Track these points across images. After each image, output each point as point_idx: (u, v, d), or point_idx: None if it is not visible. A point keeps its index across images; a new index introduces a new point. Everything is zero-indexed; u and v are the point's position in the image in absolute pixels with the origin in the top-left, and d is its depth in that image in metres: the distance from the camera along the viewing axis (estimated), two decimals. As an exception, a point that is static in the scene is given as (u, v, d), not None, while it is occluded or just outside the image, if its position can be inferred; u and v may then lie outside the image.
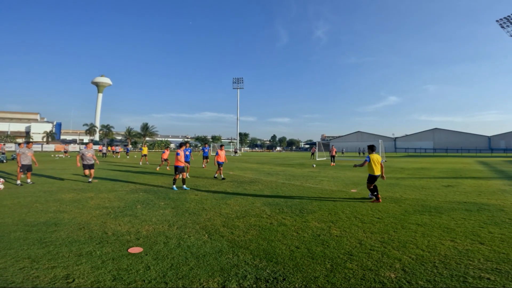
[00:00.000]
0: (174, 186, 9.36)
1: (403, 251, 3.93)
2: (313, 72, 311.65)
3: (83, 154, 10.40)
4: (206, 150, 18.76)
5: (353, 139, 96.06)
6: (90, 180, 10.34)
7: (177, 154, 9.35)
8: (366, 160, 7.65)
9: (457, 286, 2.99)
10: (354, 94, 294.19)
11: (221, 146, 13.01)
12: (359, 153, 56.18)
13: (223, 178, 12.22)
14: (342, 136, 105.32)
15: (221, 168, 12.35)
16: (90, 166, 10.46)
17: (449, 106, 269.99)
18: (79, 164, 10.90)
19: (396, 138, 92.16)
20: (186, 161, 13.38)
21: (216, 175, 12.71)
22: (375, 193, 7.43)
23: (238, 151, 58.92)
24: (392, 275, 3.21)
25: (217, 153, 12.48)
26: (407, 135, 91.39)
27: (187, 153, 13.77)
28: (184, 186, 9.47)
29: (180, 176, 9.48)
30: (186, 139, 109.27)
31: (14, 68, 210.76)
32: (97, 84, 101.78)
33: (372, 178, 7.54)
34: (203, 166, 17.97)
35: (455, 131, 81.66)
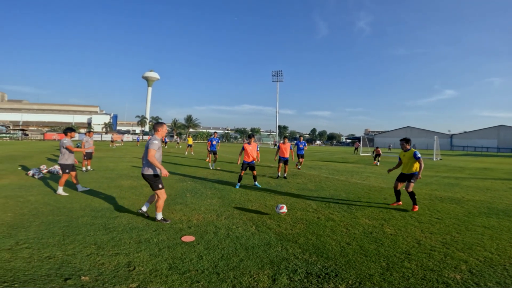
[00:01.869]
0: (238, 184, 8.17)
1: (469, 253, 3.63)
2: (355, 65, 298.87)
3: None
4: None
5: (401, 135, 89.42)
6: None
7: (242, 148, 8.16)
8: (420, 158, 5.89)
9: (532, 290, 2.71)
10: (402, 87, 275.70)
11: (284, 138, 10.54)
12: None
13: (285, 177, 10.33)
14: (388, 131, 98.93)
15: (286, 166, 10.33)
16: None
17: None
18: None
19: (452, 135, 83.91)
20: (212, 150, 13.11)
21: (279, 174, 10.46)
22: (399, 195, 6.29)
23: (277, 143, 58.77)
24: (458, 276, 2.99)
25: (278, 147, 10.33)
26: (466, 132, 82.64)
27: (214, 142, 13.24)
28: (256, 183, 8.33)
29: (250, 173, 8.19)
30: (226, 131, 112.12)
31: (76, 64, 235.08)
32: (147, 79, 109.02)
33: (416, 177, 6.02)
34: (298, 168, 13.60)
35: (524, 128, 71.67)
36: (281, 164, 10.37)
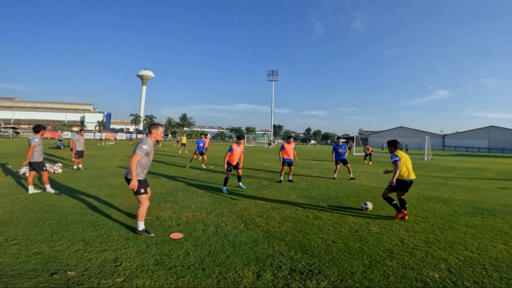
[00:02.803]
0: (224, 188, 7.35)
1: (450, 252, 3.73)
2: (351, 65, 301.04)
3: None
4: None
5: (394, 135, 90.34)
6: None
7: (230, 149, 7.31)
8: (397, 160, 5.07)
9: (506, 288, 2.81)
10: (396, 87, 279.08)
11: (289, 137, 9.51)
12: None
13: (290, 180, 9.49)
14: (382, 131, 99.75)
15: (291, 167, 9.43)
16: None
17: (509, 102, 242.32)
18: None
19: (444, 135, 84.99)
20: (199, 152, 13.21)
21: (281, 178, 9.39)
22: (405, 205, 5.25)
23: (272, 143, 58.99)
24: (436, 275, 3.07)
25: (282, 147, 9.24)
26: (458, 132, 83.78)
27: (201, 144, 13.33)
28: (240, 183, 8.00)
29: (235, 173, 7.80)
30: (221, 130, 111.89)
31: (69, 62, 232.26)
32: (141, 77, 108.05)
33: (403, 185, 5.15)
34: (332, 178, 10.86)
35: (515, 129, 72.90)
36: (285, 168, 9.26)
